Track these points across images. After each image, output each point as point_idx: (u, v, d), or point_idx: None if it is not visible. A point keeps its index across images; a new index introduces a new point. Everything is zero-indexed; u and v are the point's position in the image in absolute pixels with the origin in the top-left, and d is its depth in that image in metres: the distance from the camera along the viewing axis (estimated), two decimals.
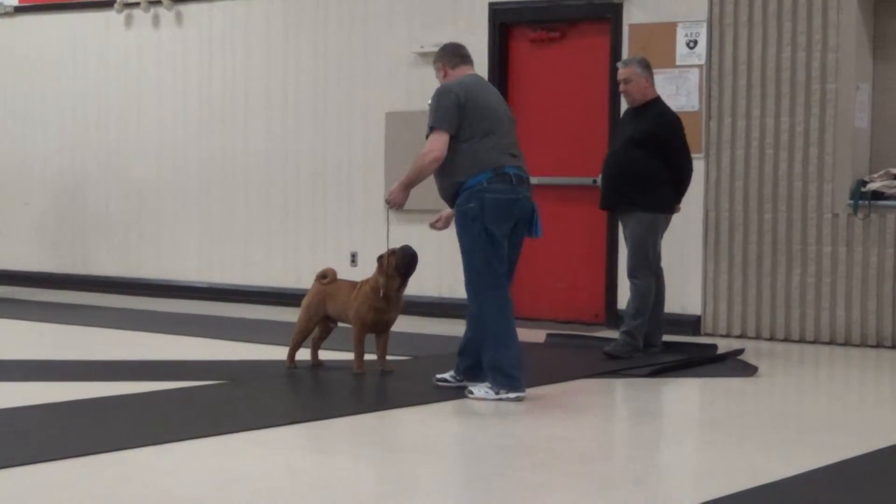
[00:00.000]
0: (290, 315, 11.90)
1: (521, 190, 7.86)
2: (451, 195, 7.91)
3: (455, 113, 7.78)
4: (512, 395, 7.75)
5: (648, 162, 9.35)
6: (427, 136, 7.86)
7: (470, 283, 7.89)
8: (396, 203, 8.09)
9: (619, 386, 8.70)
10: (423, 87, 12.02)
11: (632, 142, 9.41)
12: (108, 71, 13.93)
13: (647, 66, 9.59)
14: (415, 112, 12.05)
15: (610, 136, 11.00)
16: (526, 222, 7.92)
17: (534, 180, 11.47)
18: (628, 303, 9.57)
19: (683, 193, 9.62)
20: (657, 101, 9.61)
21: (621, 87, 9.69)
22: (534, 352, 10.08)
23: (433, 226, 8.37)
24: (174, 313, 12.14)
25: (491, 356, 7.80)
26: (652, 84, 9.60)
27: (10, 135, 14.31)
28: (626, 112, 9.84)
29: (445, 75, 8.15)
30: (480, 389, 7.81)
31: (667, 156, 9.39)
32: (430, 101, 7.95)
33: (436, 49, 11.57)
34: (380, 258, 8.59)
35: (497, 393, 7.75)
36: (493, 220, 7.73)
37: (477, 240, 7.76)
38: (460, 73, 8.09)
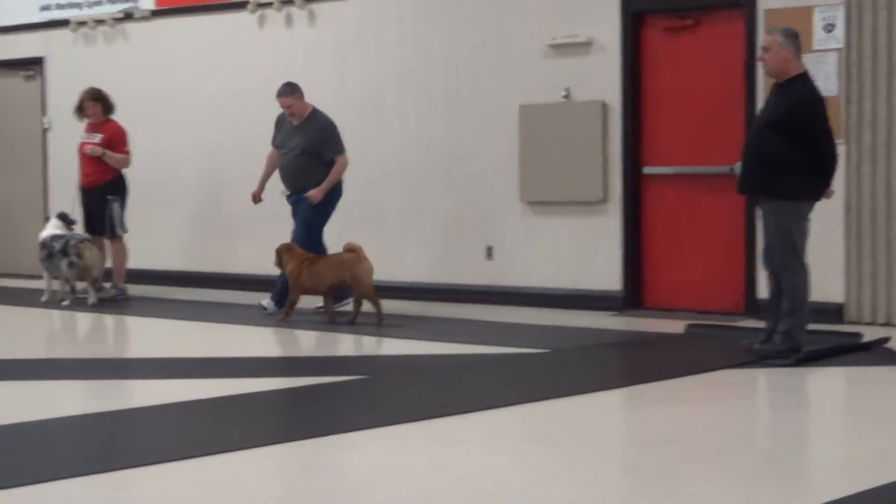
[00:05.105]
0: (429, 309, 11.99)
1: None
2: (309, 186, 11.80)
3: None
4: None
5: (786, 146, 8.85)
6: (336, 158, 11.78)
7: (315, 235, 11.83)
8: (316, 200, 11.69)
9: (762, 376, 8.59)
10: (556, 79, 12.01)
11: (769, 124, 9.07)
12: (243, 71, 14.09)
13: (792, 37, 9.04)
14: (548, 104, 12.03)
15: (748, 121, 10.87)
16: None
17: (669, 170, 11.57)
18: (784, 300, 9.08)
19: (830, 177, 9.07)
20: (801, 78, 9.05)
21: (759, 55, 9.32)
22: (674, 343, 10.04)
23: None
24: (309, 310, 12.23)
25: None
26: (796, 58, 9.04)
27: (150, 136, 14.52)
28: (772, 88, 9.28)
29: (303, 103, 11.92)
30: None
31: (804, 139, 8.98)
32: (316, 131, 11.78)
33: (568, 40, 11.75)
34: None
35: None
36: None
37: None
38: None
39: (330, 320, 11.17)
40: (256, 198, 12.30)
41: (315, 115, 11.93)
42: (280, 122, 12.11)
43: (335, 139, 11.84)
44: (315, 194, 11.66)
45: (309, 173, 11.75)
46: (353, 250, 10.99)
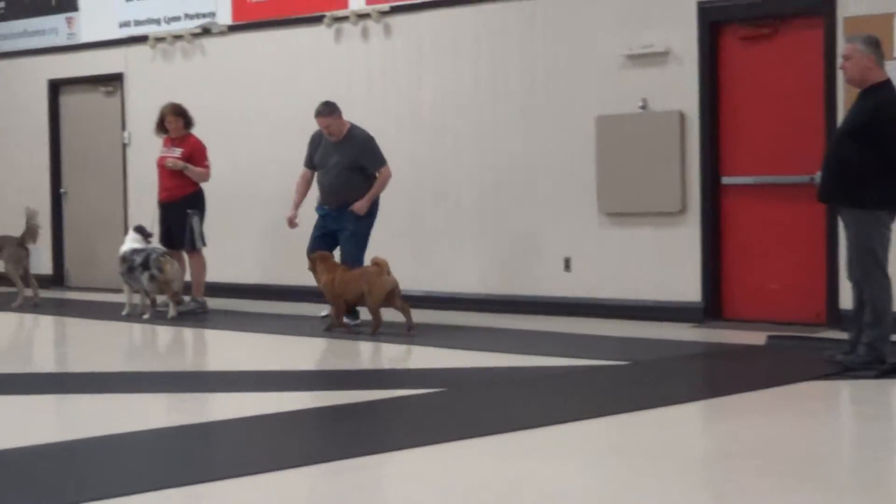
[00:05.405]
0: (507, 321, 11.97)
1: None
2: (353, 201, 11.88)
3: None
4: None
5: (864, 154, 8.70)
6: (380, 170, 11.95)
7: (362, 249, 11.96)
8: (362, 211, 11.83)
9: (845, 388, 8.49)
10: (633, 89, 11.94)
11: (848, 133, 8.96)
12: (320, 85, 14.12)
13: (873, 45, 8.90)
14: (625, 115, 11.98)
15: (828, 129, 10.75)
16: None
17: (748, 179, 11.47)
18: (866, 312, 8.89)
19: None
20: (882, 87, 8.87)
21: (840, 64, 9.23)
22: (755, 354, 9.94)
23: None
24: (390, 322, 12.24)
25: None
26: (877, 66, 8.88)
27: (227, 150, 14.62)
28: (856, 97, 9.12)
29: (342, 121, 12.00)
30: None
31: (883, 147, 8.71)
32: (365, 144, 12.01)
33: (645, 50, 11.67)
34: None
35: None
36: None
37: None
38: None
39: (328, 328, 11.49)
40: (292, 222, 12.41)
41: (353, 131, 12.07)
42: (316, 142, 12.23)
43: (377, 152, 12.04)
44: (361, 205, 11.84)
45: (352, 188, 11.90)
46: (377, 264, 11.19)
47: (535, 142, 12.68)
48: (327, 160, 12.00)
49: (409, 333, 11.08)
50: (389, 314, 11.38)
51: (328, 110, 11.96)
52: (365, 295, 11.16)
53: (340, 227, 11.97)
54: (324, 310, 12.20)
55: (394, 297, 11.17)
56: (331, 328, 11.43)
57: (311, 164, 12.26)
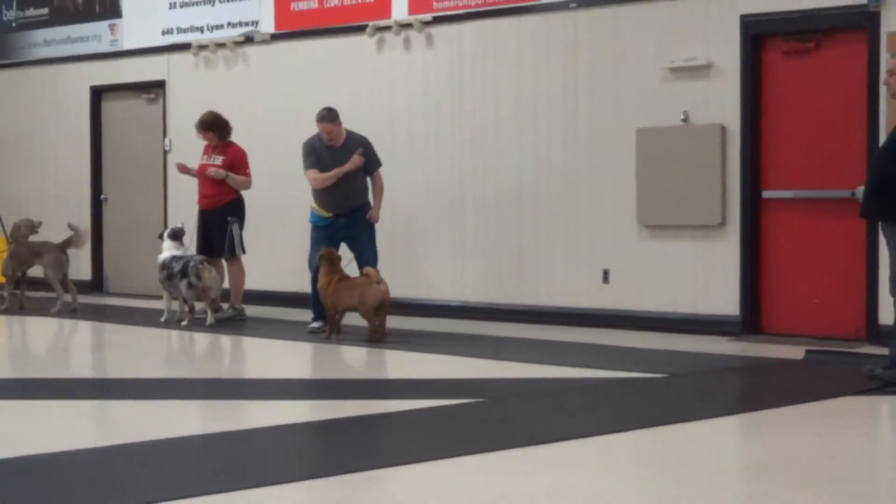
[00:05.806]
0: (545, 333, 11.95)
1: None
2: (361, 204, 12.14)
3: None
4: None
5: None
6: (375, 171, 12.16)
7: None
8: (378, 219, 12.15)
9: (885, 404, 8.43)
10: (674, 102, 11.92)
11: (890, 148, 8.96)
12: (361, 94, 14.17)
13: None
14: (667, 128, 11.95)
15: (870, 144, 10.71)
16: None
17: (789, 193, 11.41)
18: None
19: None
20: None
21: (884, 79, 9.24)
22: (793, 369, 9.89)
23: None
24: (428, 332, 12.24)
25: None
26: None
27: (268, 158, 14.66)
28: None
29: (341, 127, 12.09)
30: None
31: None
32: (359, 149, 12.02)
33: (687, 63, 11.65)
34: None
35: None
36: None
37: None
38: None
39: (369, 339, 11.41)
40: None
41: (351, 135, 12.18)
42: (316, 149, 12.15)
43: (376, 152, 12.27)
44: (377, 214, 12.20)
45: (362, 192, 12.18)
46: (366, 275, 11.40)
47: (576, 153, 12.66)
48: (335, 165, 11.96)
49: (370, 342, 11.31)
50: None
51: (332, 116, 12.02)
52: (357, 305, 11.35)
53: (353, 233, 12.10)
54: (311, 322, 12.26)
55: (382, 306, 11.35)
56: (371, 339, 11.42)
57: (319, 167, 12.12)
